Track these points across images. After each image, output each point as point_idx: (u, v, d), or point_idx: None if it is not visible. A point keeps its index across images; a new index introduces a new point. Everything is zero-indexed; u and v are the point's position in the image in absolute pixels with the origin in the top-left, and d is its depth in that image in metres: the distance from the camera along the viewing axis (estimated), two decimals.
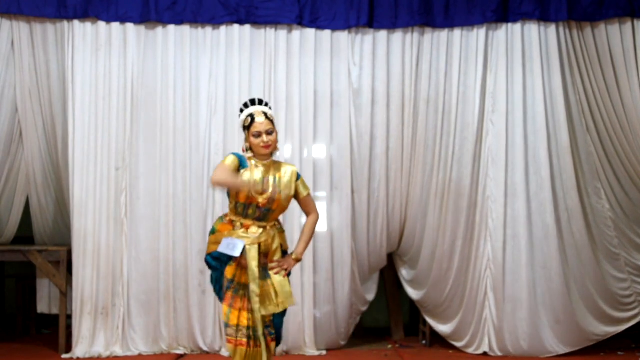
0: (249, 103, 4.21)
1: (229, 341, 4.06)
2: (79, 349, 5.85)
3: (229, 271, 4.09)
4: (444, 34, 6.08)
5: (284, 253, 4.23)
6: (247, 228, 4.08)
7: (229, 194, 4.16)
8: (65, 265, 5.97)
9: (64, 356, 5.85)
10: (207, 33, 6.06)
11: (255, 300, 4.01)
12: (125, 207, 5.97)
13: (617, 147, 6.03)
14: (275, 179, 4.11)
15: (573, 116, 6.04)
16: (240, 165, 4.10)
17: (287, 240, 4.32)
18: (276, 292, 4.07)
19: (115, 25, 5.99)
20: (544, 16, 5.97)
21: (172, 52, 6.02)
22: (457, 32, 6.07)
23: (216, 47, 6.05)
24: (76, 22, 5.96)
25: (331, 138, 6.13)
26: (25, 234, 6.45)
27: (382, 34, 6.09)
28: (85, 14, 5.95)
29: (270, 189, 4.08)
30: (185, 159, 6.00)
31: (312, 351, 6.00)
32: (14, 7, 5.91)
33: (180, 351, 5.96)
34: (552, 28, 5.99)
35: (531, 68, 6.00)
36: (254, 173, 4.07)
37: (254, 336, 4.03)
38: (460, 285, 6.09)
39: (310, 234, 4.29)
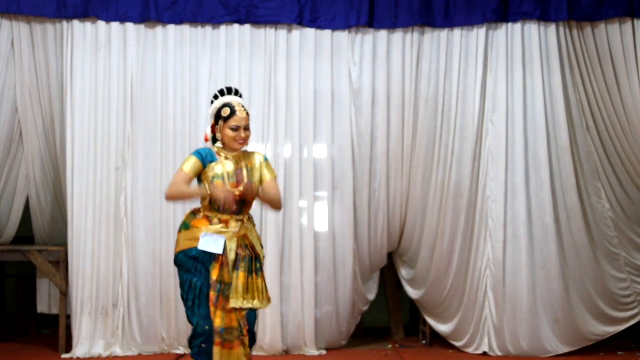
0: (225, 91, 4.11)
1: (215, 343, 3.88)
2: (79, 349, 5.84)
3: (214, 273, 3.92)
4: (444, 34, 6.08)
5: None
6: (226, 223, 3.96)
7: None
8: (65, 265, 5.96)
9: (64, 356, 5.85)
10: (207, 33, 6.06)
11: (233, 294, 3.87)
12: (125, 207, 5.97)
13: (617, 147, 6.03)
14: (247, 169, 4.03)
15: (573, 116, 6.04)
16: (205, 161, 3.99)
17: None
18: (262, 289, 3.95)
19: (115, 25, 5.98)
20: (544, 16, 5.97)
21: (172, 52, 6.01)
22: (457, 32, 6.06)
23: (216, 46, 6.05)
24: (76, 22, 5.95)
25: (332, 138, 6.13)
26: (25, 234, 6.45)
27: (383, 34, 6.08)
28: (85, 13, 5.93)
29: (245, 181, 3.99)
30: None
31: (312, 351, 6.00)
32: (13, 6, 5.90)
33: (180, 351, 5.95)
34: (552, 28, 5.99)
35: (531, 68, 6.00)
36: (225, 165, 3.98)
37: (228, 337, 3.87)
38: (460, 285, 6.09)
39: (271, 198, 4.00)
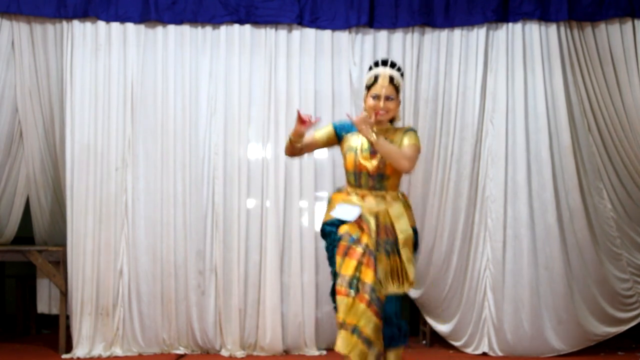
0: (379, 62, 3.97)
1: (337, 292, 3.81)
2: (79, 350, 5.84)
3: (352, 229, 3.81)
4: (444, 33, 6.07)
5: (413, 230, 3.93)
6: (363, 197, 3.89)
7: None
8: (65, 265, 5.96)
9: (64, 356, 5.85)
10: (207, 33, 6.05)
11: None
12: (125, 207, 5.97)
13: (618, 147, 6.03)
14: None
15: (575, 116, 6.04)
16: (338, 129, 4.01)
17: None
18: (403, 272, 3.79)
19: (115, 24, 5.97)
20: (544, 16, 5.97)
21: (172, 51, 6.01)
22: (457, 32, 6.06)
23: (216, 46, 6.04)
24: (75, 22, 5.94)
25: None
26: (25, 234, 6.44)
27: (383, 33, 6.08)
28: (84, 13, 5.93)
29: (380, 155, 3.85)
30: (185, 159, 6.00)
31: (312, 351, 6.00)
32: (13, 6, 5.89)
33: (180, 351, 5.95)
34: (552, 28, 5.99)
35: (532, 68, 5.99)
36: (362, 138, 3.88)
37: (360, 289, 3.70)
38: (459, 285, 6.09)
39: (392, 148, 3.82)
